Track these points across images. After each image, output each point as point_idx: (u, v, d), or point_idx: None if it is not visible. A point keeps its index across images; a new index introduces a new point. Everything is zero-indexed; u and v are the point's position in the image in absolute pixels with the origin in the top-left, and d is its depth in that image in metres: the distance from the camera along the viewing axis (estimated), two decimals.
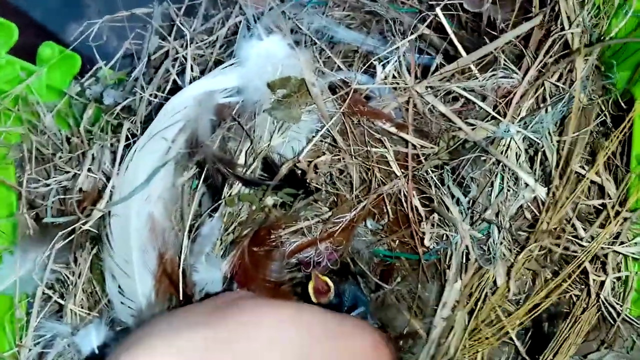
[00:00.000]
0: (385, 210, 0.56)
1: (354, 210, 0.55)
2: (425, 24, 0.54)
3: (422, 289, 0.57)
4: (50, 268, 0.52)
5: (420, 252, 0.55)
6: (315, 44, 0.60)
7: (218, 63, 0.60)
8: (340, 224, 0.56)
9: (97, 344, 0.49)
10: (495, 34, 0.53)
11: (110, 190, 0.50)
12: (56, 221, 0.52)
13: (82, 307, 0.53)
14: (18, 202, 0.55)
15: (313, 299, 0.56)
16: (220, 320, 0.38)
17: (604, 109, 0.50)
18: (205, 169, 0.51)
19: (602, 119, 0.50)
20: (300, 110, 0.51)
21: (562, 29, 0.49)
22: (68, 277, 0.54)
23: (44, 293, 0.52)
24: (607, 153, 0.48)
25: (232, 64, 0.49)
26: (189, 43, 0.59)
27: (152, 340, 0.35)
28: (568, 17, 0.49)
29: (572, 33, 0.47)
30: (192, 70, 0.59)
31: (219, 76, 0.49)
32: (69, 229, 0.51)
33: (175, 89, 0.59)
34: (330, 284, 0.56)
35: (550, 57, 0.49)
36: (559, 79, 0.49)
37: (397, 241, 0.58)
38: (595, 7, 0.51)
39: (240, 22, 0.62)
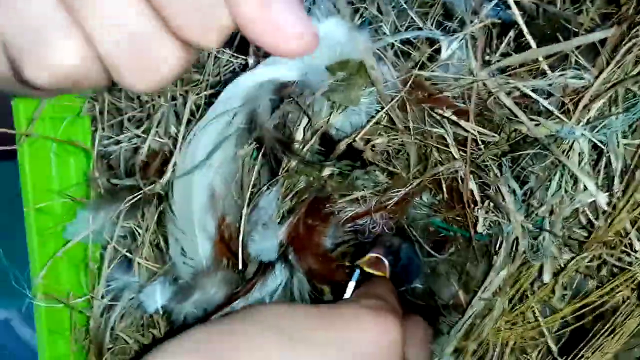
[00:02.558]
0: (441, 188, 0.57)
1: (409, 186, 0.55)
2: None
3: (472, 265, 0.58)
4: (120, 225, 0.56)
5: (472, 233, 0.55)
6: None
7: None
8: (395, 198, 0.56)
9: (161, 303, 0.54)
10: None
11: (174, 163, 0.53)
12: (123, 184, 0.55)
13: (148, 260, 0.57)
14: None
15: (373, 272, 0.55)
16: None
17: None
18: (264, 146, 0.52)
19: None
20: (359, 93, 0.51)
21: None
22: (137, 231, 0.58)
23: (114, 248, 0.57)
24: None
25: None
26: None
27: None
28: None
29: None
30: None
31: (279, 65, 0.48)
32: (136, 194, 0.54)
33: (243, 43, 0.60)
34: (381, 255, 0.57)
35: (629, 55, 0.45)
36: (635, 82, 0.46)
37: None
38: None
39: None
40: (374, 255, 0.56)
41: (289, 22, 0.24)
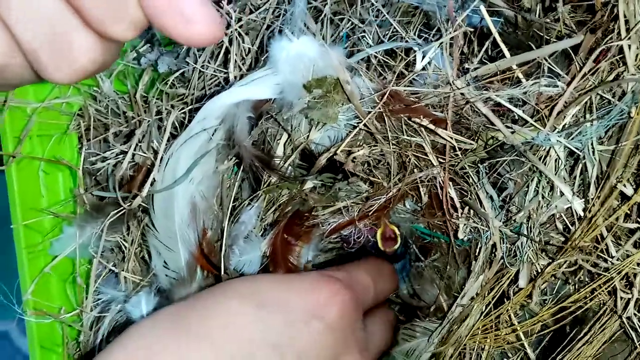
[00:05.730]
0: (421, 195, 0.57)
1: (389, 193, 0.56)
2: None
3: (452, 270, 0.59)
4: (105, 239, 0.57)
5: (452, 239, 0.56)
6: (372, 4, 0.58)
7: (268, 27, 0.60)
8: (377, 206, 0.57)
9: (146, 312, 0.54)
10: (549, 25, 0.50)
11: (153, 179, 0.53)
12: (107, 197, 0.56)
13: (134, 273, 0.58)
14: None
15: (380, 246, 0.58)
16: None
17: None
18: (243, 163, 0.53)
19: None
20: (336, 110, 0.51)
21: (619, 33, 0.45)
22: (123, 244, 0.59)
23: (99, 262, 0.58)
24: None
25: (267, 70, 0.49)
26: (233, 20, 0.58)
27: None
28: (627, 22, 0.45)
29: (628, 45, 0.44)
30: (243, 41, 0.59)
31: (255, 86, 0.49)
32: (119, 209, 0.55)
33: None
34: (398, 232, 0.59)
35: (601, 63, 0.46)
36: (609, 90, 0.46)
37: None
38: None
39: None
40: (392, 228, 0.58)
41: (196, 11, 0.26)
